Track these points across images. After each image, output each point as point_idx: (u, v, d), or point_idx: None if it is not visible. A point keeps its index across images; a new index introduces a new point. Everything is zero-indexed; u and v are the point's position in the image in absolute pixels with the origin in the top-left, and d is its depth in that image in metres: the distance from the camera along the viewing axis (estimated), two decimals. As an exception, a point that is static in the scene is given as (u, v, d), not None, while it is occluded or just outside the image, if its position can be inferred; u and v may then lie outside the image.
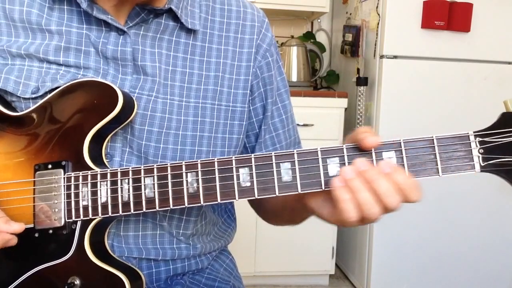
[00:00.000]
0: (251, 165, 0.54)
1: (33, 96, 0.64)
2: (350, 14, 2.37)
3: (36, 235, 0.61)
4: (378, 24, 2.01)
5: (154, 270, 0.71)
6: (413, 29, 1.97)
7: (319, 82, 2.67)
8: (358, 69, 2.18)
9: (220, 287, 0.76)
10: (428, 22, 1.95)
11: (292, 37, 2.49)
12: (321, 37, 2.72)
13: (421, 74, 2.00)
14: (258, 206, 0.81)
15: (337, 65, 2.63)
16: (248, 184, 0.54)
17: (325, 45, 2.67)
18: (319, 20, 2.73)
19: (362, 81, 2.09)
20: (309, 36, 2.62)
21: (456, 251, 2.13)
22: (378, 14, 2.01)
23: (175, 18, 0.68)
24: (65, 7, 0.66)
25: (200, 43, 0.70)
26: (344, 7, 2.48)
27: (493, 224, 2.13)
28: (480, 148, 0.50)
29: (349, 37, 2.29)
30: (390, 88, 2.00)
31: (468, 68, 2.02)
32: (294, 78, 2.37)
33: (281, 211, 0.74)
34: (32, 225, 0.61)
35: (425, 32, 1.98)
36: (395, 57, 1.99)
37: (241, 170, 0.54)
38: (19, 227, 0.59)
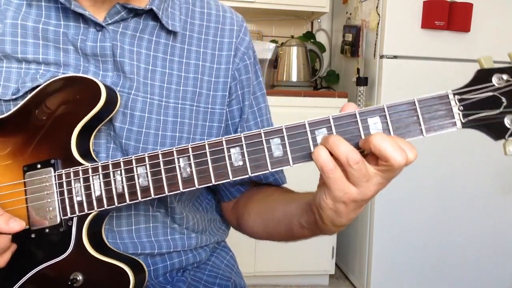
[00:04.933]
0: (242, 144, 0.54)
1: (14, 97, 0.63)
2: (350, 14, 2.37)
3: (33, 235, 0.60)
4: (378, 24, 2.01)
5: (152, 267, 0.71)
6: (413, 29, 1.97)
7: (319, 82, 2.67)
8: (358, 69, 2.18)
9: (222, 284, 0.77)
10: (428, 22, 1.95)
11: (292, 37, 2.49)
12: (321, 37, 2.72)
13: (421, 74, 2.00)
14: (242, 216, 0.77)
15: (337, 65, 2.63)
16: (241, 163, 0.54)
17: (325, 45, 2.67)
18: (319, 20, 2.73)
19: (362, 81, 2.09)
20: (309, 36, 2.62)
21: (457, 251, 2.13)
22: (378, 14, 2.01)
23: (155, 18, 0.68)
24: (43, 3, 0.66)
25: (180, 45, 0.71)
26: (344, 7, 2.48)
27: (494, 225, 2.13)
28: (459, 106, 0.51)
29: (349, 37, 2.29)
30: (390, 88, 2.00)
31: (468, 68, 2.01)
32: (294, 78, 2.37)
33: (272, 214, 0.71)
34: (27, 227, 0.60)
35: (425, 32, 1.98)
36: (395, 57, 1.99)
37: (232, 150, 0.55)
38: (19, 225, 0.59)
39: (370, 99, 2.09)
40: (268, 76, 2.41)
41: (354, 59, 2.27)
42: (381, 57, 2.00)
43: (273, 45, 2.39)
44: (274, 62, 2.41)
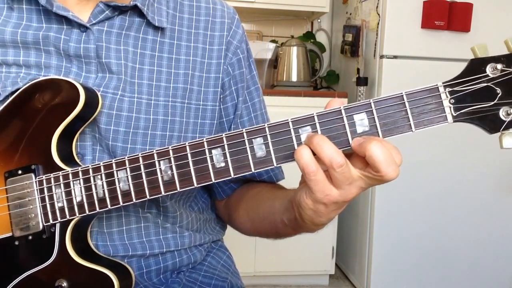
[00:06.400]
0: (223, 145, 0.52)
1: None
2: (350, 14, 2.37)
3: (16, 243, 0.60)
4: (378, 24, 2.01)
5: (145, 269, 0.70)
6: (413, 29, 1.97)
7: (319, 82, 2.67)
8: (358, 69, 2.18)
9: (217, 285, 0.76)
10: (428, 22, 1.95)
11: (292, 37, 2.49)
12: (321, 37, 2.72)
13: (421, 74, 2.00)
14: (234, 209, 0.77)
15: (337, 65, 2.63)
16: (223, 164, 0.53)
17: (325, 45, 2.67)
18: (319, 20, 2.72)
19: (362, 81, 2.09)
20: (309, 36, 2.62)
21: (457, 251, 2.13)
22: (378, 14, 2.01)
23: (141, 14, 0.66)
24: (24, 6, 0.64)
25: (169, 40, 0.69)
26: (344, 7, 2.48)
27: (494, 224, 2.13)
28: (451, 98, 0.48)
29: (349, 37, 2.29)
30: (390, 88, 2.00)
31: (468, 68, 2.02)
32: (294, 78, 2.37)
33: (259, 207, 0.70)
34: (10, 234, 0.60)
35: (425, 32, 1.98)
36: (395, 57, 1.99)
37: (214, 151, 0.53)
38: None
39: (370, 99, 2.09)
40: (268, 76, 2.41)
41: (354, 59, 2.27)
42: (381, 57, 2.00)
43: (273, 45, 2.39)
44: (274, 62, 2.41)
